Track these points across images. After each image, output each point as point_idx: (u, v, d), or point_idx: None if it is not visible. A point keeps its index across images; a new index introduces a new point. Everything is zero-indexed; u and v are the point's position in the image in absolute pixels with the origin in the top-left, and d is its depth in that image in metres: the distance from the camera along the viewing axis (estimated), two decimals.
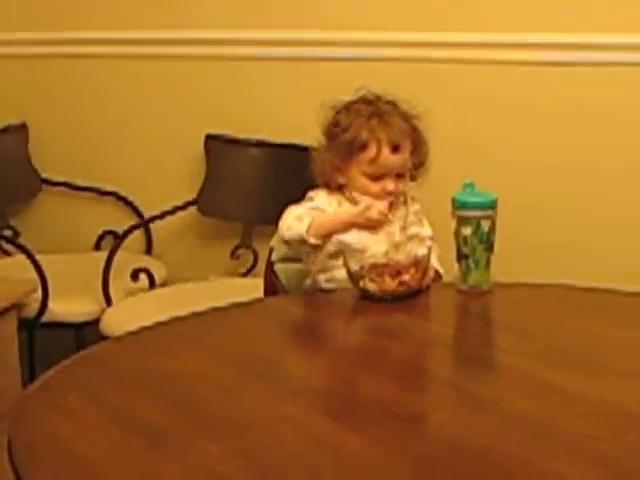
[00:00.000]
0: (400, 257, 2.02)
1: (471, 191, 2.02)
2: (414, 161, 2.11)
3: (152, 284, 3.05)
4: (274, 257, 2.24)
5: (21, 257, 2.99)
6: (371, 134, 2.05)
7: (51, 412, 1.52)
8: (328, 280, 2.10)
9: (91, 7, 3.32)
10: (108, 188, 3.40)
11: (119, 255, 3.01)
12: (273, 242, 2.23)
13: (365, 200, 2.04)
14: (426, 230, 2.15)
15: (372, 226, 2.04)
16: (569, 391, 1.54)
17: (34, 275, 2.89)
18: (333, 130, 2.10)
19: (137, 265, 3.06)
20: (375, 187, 2.06)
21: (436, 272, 2.09)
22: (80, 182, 3.43)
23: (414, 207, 2.15)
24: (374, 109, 2.08)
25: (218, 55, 3.19)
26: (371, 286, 1.95)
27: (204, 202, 3.25)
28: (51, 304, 2.91)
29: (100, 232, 3.43)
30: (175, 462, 1.34)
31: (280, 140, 3.10)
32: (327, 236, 2.03)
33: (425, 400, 1.61)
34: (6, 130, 3.40)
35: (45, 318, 2.92)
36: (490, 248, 2.00)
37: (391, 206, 2.06)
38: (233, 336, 1.86)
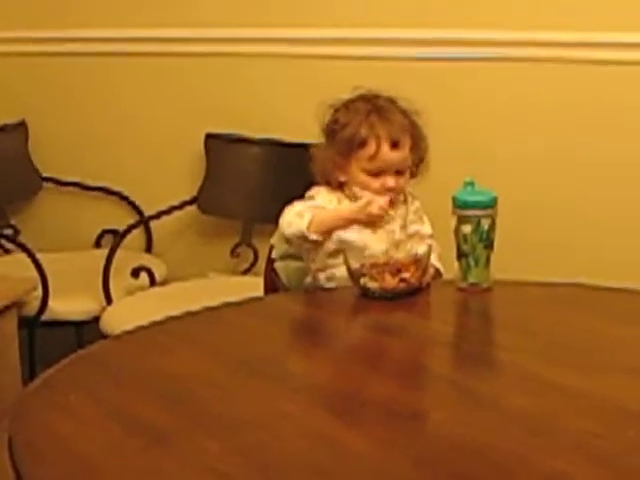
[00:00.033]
0: (400, 255, 2.02)
1: (471, 189, 2.02)
2: (414, 157, 2.11)
3: (152, 282, 3.05)
4: (274, 255, 2.23)
5: (21, 255, 2.99)
6: (370, 131, 2.04)
7: (51, 410, 1.52)
8: (328, 278, 2.10)
9: (91, 5, 3.32)
10: (108, 186, 3.40)
11: (119, 253, 3.01)
12: (273, 240, 2.23)
13: (366, 195, 2.04)
14: (426, 228, 2.15)
15: (373, 222, 2.03)
16: (569, 388, 1.54)
17: (34, 273, 2.89)
18: (332, 128, 2.10)
19: (137, 263, 3.06)
20: (375, 183, 2.06)
21: (436, 270, 2.09)
22: (80, 180, 3.43)
23: (414, 205, 2.15)
24: (373, 106, 2.08)
25: (219, 53, 3.19)
26: (371, 284, 1.95)
27: (204, 200, 3.25)
28: (51, 302, 2.91)
29: (100, 230, 3.43)
30: (175, 460, 1.34)
31: (280, 138, 3.10)
32: (328, 232, 2.03)
33: (425, 398, 1.61)
34: (6, 128, 3.40)
35: (45, 316, 2.92)
36: (490, 246, 2.00)
37: (391, 203, 2.06)
38: (233, 335, 1.86)
